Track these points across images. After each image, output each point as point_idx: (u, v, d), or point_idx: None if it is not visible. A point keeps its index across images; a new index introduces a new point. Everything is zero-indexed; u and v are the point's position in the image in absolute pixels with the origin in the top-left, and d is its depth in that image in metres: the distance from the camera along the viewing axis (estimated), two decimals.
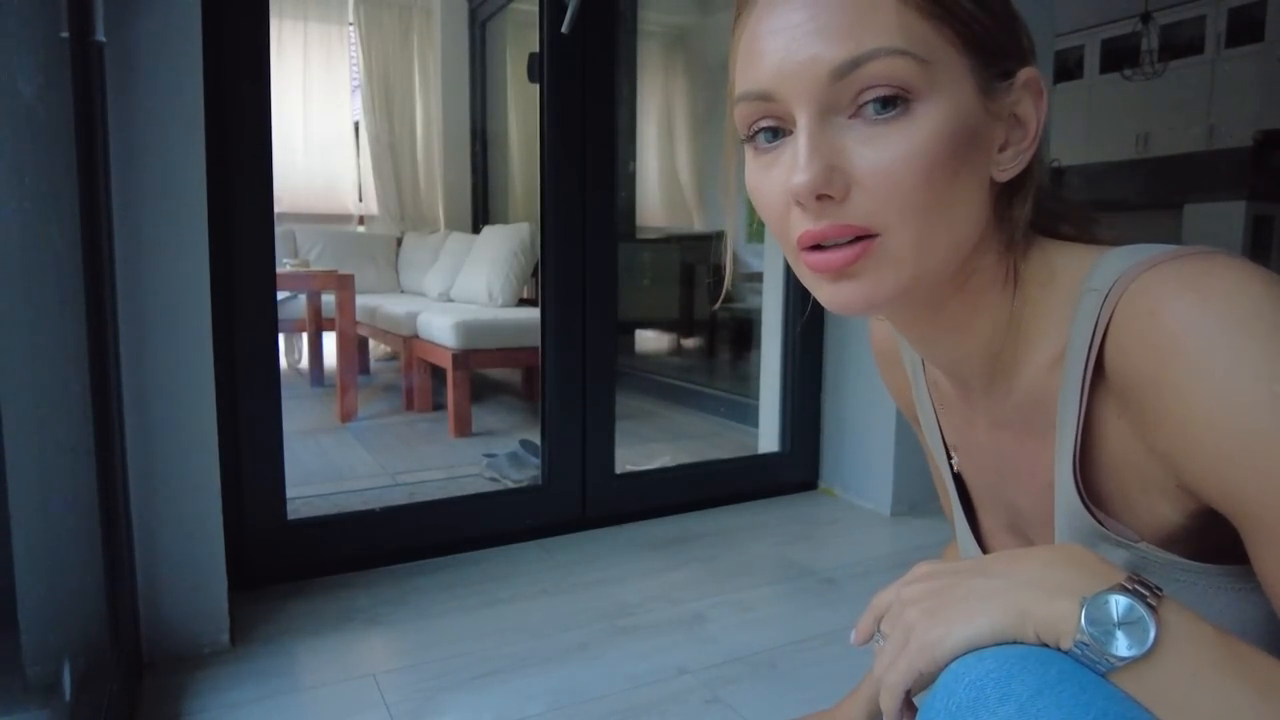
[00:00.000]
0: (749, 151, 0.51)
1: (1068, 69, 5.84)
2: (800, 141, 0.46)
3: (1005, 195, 0.51)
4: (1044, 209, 0.54)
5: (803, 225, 0.47)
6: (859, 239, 0.46)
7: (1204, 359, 0.41)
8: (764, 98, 0.47)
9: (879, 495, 2.00)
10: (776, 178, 0.48)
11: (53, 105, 1.00)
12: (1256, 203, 4.25)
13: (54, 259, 1.02)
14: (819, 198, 0.45)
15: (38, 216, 1.00)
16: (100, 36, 1.10)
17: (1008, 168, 0.49)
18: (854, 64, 0.44)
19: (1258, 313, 0.41)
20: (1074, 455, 0.50)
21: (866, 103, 0.45)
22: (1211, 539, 0.47)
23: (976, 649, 0.43)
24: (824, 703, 0.90)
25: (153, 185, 1.18)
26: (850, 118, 0.46)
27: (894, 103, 0.45)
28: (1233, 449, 0.41)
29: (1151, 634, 0.39)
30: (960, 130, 0.46)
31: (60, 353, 1.04)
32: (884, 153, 0.45)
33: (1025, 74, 0.49)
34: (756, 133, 0.49)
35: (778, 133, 0.48)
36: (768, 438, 2.21)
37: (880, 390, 2.01)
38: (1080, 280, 0.49)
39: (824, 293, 0.49)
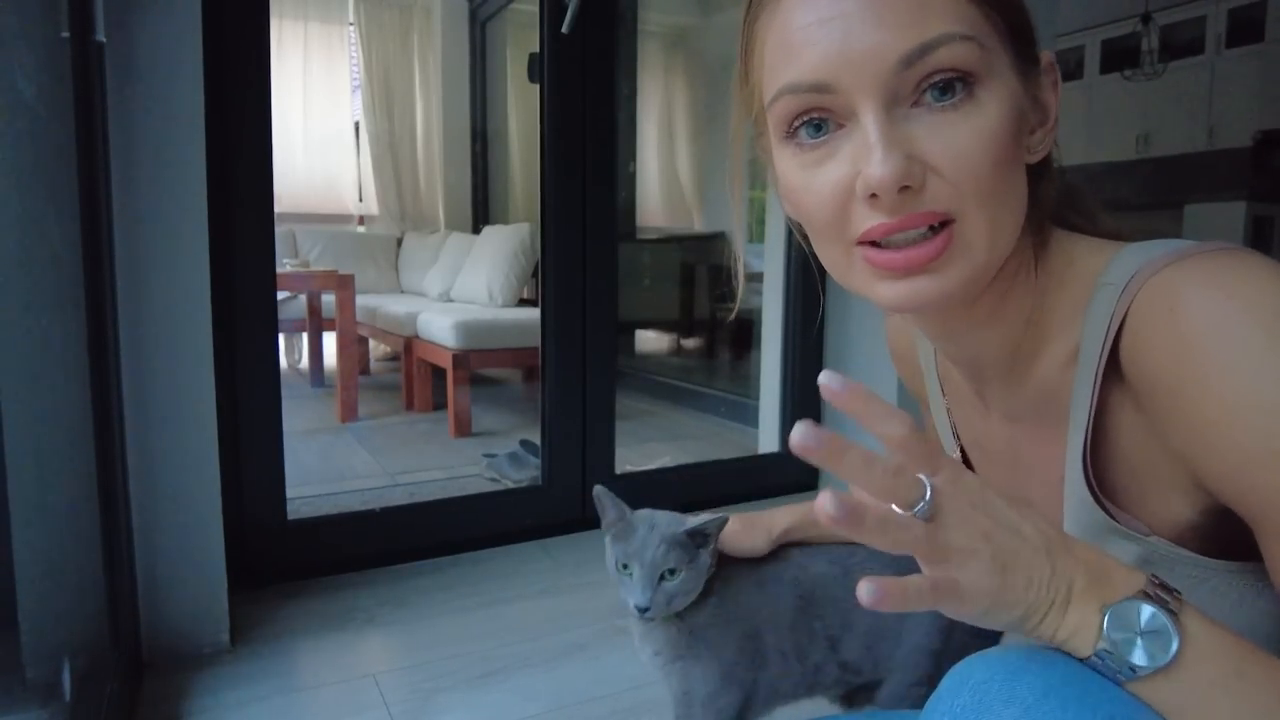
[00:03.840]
0: (787, 150, 0.48)
1: (1068, 69, 5.84)
2: (873, 134, 0.44)
3: (1032, 180, 0.50)
4: (1058, 200, 0.53)
5: (872, 219, 0.45)
6: (936, 228, 0.45)
7: (1226, 357, 0.41)
8: (819, 89, 0.45)
9: None
10: (832, 173, 0.46)
11: (53, 105, 0.99)
12: (1256, 203, 4.25)
13: (54, 259, 1.02)
14: (900, 189, 0.44)
15: (38, 216, 1.00)
16: (100, 36, 1.10)
17: (1037, 150, 0.49)
18: (923, 51, 0.43)
19: None
20: (1085, 448, 0.49)
21: (926, 89, 0.44)
22: (1223, 534, 0.47)
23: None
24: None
25: (153, 185, 1.18)
26: (913, 106, 0.44)
27: (954, 88, 0.44)
28: (1253, 449, 0.40)
29: (1174, 644, 0.38)
30: (1014, 114, 0.46)
31: (60, 353, 1.04)
32: (957, 139, 0.44)
33: (1045, 58, 0.49)
34: (798, 128, 0.47)
35: (822, 127, 0.46)
36: (768, 438, 2.21)
37: (880, 390, 2.00)
38: (1097, 274, 0.49)
39: (885, 291, 0.47)
